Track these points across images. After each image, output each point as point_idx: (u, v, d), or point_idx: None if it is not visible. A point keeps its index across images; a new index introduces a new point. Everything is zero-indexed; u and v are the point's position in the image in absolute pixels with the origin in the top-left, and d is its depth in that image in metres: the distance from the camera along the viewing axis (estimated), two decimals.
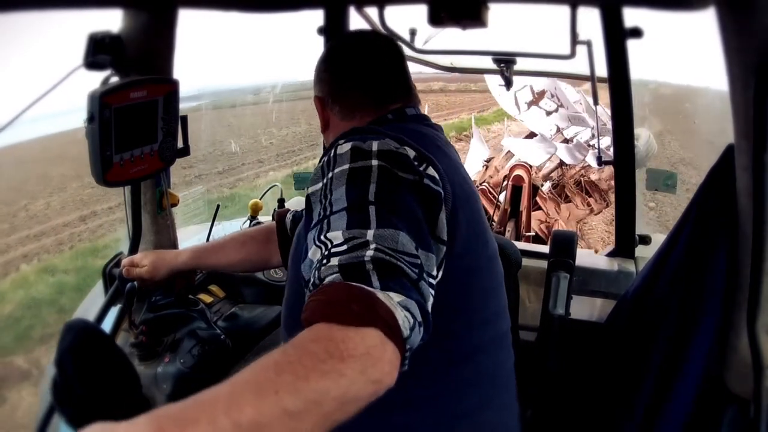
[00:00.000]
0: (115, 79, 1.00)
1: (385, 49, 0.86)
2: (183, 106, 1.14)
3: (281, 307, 0.85)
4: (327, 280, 0.52)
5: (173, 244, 1.29)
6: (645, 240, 1.55)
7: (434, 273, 0.60)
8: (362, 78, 0.83)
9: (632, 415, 0.95)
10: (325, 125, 0.87)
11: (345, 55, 0.85)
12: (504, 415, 0.81)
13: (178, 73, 1.13)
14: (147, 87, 1.01)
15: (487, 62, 1.61)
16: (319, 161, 0.68)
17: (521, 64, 1.61)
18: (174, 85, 1.10)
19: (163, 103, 1.06)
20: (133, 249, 1.20)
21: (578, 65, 1.51)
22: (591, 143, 4.89)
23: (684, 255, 0.93)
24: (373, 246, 0.54)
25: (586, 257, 1.58)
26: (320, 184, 0.63)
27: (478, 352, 0.75)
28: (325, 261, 0.54)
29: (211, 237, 1.44)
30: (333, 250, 0.55)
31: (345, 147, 0.64)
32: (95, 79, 0.98)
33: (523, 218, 4.20)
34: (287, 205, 1.73)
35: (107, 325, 1.13)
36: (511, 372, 0.85)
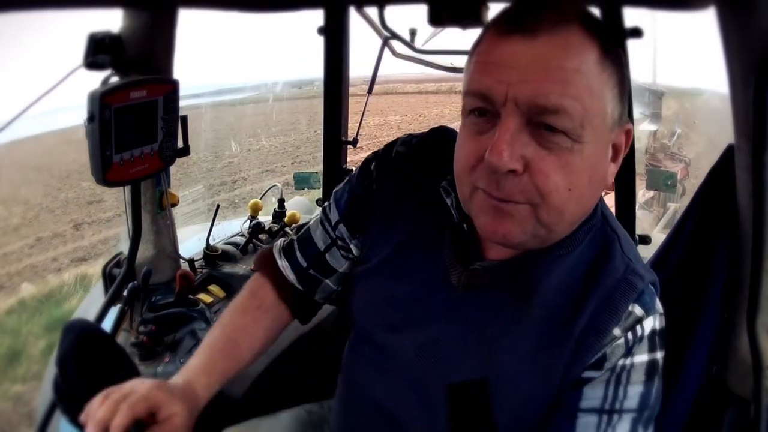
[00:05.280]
0: (115, 79, 1.01)
1: None
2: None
3: None
4: None
5: (173, 244, 1.29)
6: (645, 240, 1.54)
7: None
8: None
9: None
10: None
11: None
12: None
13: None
14: (147, 87, 1.01)
15: None
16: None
17: None
18: (174, 85, 1.10)
19: (163, 103, 1.07)
20: (133, 249, 1.20)
21: None
22: None
23: (684, 255, 0.93)
24: None
25: None
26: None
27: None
28: None
29: (211, 237, 1.44)
30: None
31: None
32: (95, 79, 0.98)
33: None
34: (287, 205, 1.72)
35: (107, 325, 1.13)
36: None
